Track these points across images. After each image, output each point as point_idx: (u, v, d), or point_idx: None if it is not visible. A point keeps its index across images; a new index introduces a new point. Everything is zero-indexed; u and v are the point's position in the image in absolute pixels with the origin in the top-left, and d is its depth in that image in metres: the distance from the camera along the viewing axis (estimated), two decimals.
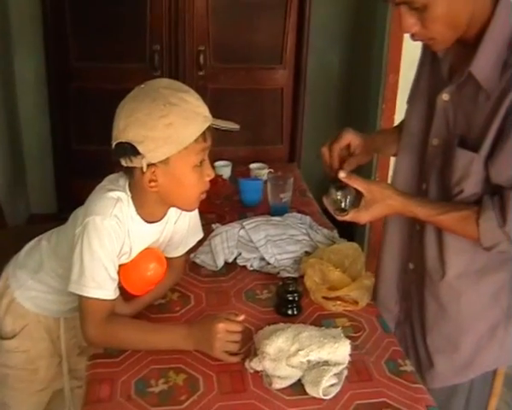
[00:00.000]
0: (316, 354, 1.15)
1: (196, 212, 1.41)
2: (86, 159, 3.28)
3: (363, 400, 1.12)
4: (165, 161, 1.16)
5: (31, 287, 1.40)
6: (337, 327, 1.30)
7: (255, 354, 1.19)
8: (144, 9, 3.14)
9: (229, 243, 1.62)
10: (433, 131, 1.31)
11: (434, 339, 1.40)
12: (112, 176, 1.28)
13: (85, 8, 3.12)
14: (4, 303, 1.42)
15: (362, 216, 1.29)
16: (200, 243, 1.52)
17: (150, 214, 1.28)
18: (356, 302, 1.41)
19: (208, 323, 1.20)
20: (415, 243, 1.41)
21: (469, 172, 1.20)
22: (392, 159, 1.52)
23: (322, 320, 1.36)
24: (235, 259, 1.61)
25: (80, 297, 1.20)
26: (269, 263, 1.59)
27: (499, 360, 1.41)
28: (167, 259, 1.39)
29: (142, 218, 1.27)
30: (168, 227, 1.35)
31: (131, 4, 3.16)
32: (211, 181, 1.26)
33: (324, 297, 1.41)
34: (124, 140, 1.15)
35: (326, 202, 1.33)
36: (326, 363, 1.15)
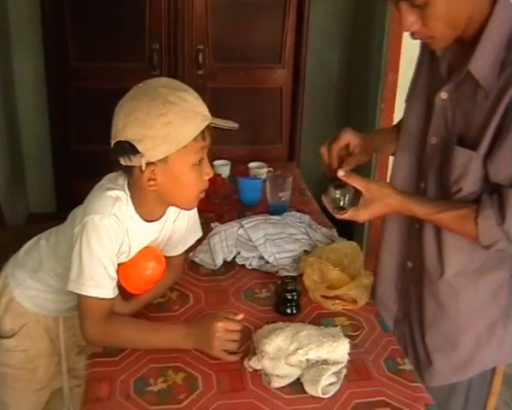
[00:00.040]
0: (315, 353, 1.15)
1: (195, 211, 1.41)
2: (85, 159, 3.28)
3: (361, 398, 1.12)
4: (164, 160, 1.16)
5: (30, 286, 1.40)
6: (336, 326, 1.31)
7: (254, 353, 1.19)
8: (143, 9, 3.14)
9: (228, 241, 1.62)
10: (431, 129, 1.31)
11: (433, 337, 1.40)
12: (111, 175, 1.28)
13: (84, 7, 3.12)
14: (3, 302, 1.42)
15: (360, 215, 1.29)
16: (199, 241, 1.52)
17: (149, 213, 1.28)
18: (355, 301, 1.41)
19: (207, 322, 1.20)
20: (413, 241, 1.41)
21: (468, 170, 1.20)
22: (391, 158, 1.52)
23: (321, 319, 1.36)
24: (234, 258, 1.61)
25: (79, 296, 1.20)
26: (268, 262, 1.59)
27: (498, 358, 1.41)
28: (166, 258, 1.39)
29: (141, 217, 1.27)
30: (167, 226, 1.35)
31: (130, 4, 3.16)
32: (210, 180, 1.26)
33: (323, 296, 1.41)
34: (123, 139, 1.15)
35: (325, 200, 1.33)
36: (325, 362, 1.15)
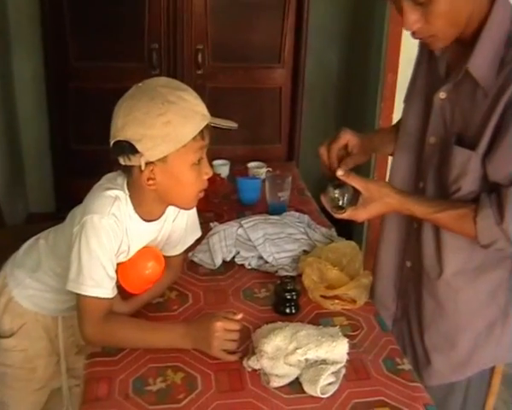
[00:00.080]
0: (314, 353, 1.15)
1: (194, 210, 1.41)
2: (85, 158, 3.28)
3: (360, 398, 1.12)
4: (164, 160, 1.16)
5: (29, 286, 1.40)
6: (335, 326, 1.30)
7: (253, 353, 1.19)
8: (143, 9, 3.14)
9: (227, 241, 1.62)
10: (430, 129, 1.31)
11: (432, 337, 1.40)
12: (110, 175, 1.28)
13: (84, 7, 3.11)
14: (2, 302, 1.42)
15: (359, 214, 1.29)
16: (198, 241, 1.52)
17: (148, 213, 1.28)
18: (354, 301, 1.41)
19: (206, 321, 1.20)
20: (412, 240, 1.41)
21: (467, 170, 1.20)
22: (391, 158, 1.52)
23: (320, 319, 1.36)
24: (234, 257, 1.61)
25: (78, 296, 1.20)
26: (267, 262, 1.59)
27: (496, 358, 1.41)
28: (165, 257, 1.39)
29: (140, 216, 1.27)
30: (166, 226, 1.35)
31: (130, 4, 3.16)
32: (209, 180, 1.26)
33: (322, 296, 1.41)
34: (122, 138, 1.15)
35: (324, 200, 1.33)
36: (324, 362, 1.15)
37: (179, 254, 1.45)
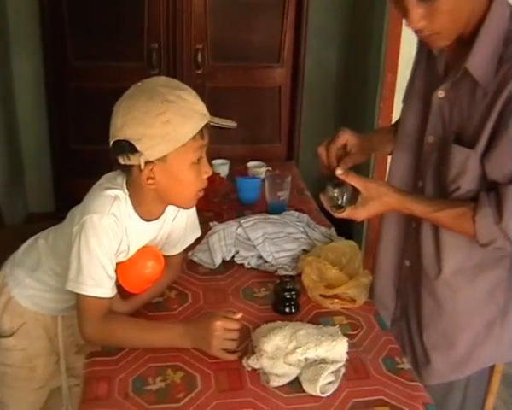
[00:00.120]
0: (313, 352, 1.15)
1: (194, 210, 1.41)
2: (84, 158, 3.28)
3: (360, 397, 1.12)
4: (163, 159, 1.16)
5: (28, 285, 1.40)
6: (334, 325, 1.30)
7: (253, 352, 1.19)
8: (142, 8, 3.13)
9: (226, 241, 1.62)
10: (428, 128, 1.31)
11: (431, 336, 1.40)
12: (109, 174, 1.28)
13: (83, 7, 3.11)
14: (2, 302, 1.42)
15: (358, 213, 1.29)
16: (197, 241, 1.52)
17: (148, 212, 1.28)
18: (353, 300, 1.41)
19: (206, 321, 1.20)
20: (411, 239, 1.41)
21: (465, 168, 1.20)
22: (390, 158, 1.52)
23: (320, 318, 1.36)
24: (233, 257, 1.61)
25: (78, 295, 1.20)
26: (266, 261, 1.59)
27: (495, 356, 1.41)
28: (165, 257, 1.39)
29: (139, 216, 1.27)
30: (166, 225, 1.35)
31: (129, 3, 3.16)
32: (208, 179, 1.26)
33: (322, 295, 1.41)
34: (121, 138, 1.15)
35: (323, 199, 1.33)
36: (323, 361, 1.15)
37: (179, 254, 1.45)
